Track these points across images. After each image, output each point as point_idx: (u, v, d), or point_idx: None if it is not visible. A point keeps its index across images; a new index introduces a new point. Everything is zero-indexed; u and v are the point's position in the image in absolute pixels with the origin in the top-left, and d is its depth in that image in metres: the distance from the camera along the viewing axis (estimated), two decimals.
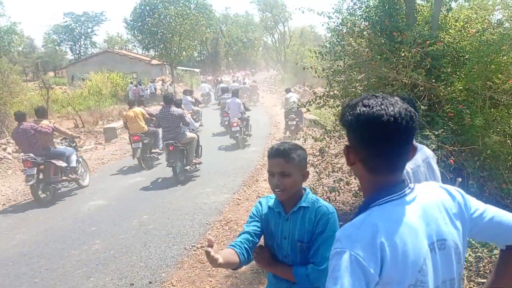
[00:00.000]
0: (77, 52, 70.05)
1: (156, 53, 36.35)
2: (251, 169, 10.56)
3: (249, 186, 9.02)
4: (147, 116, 11.64)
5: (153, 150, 11.87)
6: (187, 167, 9.87)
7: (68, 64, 52.12)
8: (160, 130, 10.91)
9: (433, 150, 4.97)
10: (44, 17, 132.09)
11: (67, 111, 24.00)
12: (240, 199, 8.22)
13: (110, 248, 6.06)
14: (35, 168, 8.17)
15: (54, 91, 27.69)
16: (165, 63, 39.61)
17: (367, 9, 7.86)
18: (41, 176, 8.45)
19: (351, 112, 1.30)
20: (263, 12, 67.91)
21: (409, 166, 2.85)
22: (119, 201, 8.64)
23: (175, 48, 35.36)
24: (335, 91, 7.46)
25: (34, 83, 33.74)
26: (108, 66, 34.78)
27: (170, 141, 9.37)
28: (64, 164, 8.84)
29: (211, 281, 5.02)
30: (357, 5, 8.38)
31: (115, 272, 5.32)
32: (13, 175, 11.92)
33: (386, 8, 7.45)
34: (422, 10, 7.88)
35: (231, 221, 7.00)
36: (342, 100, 7.44)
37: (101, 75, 31.05)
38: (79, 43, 70.65)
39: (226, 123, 15.33)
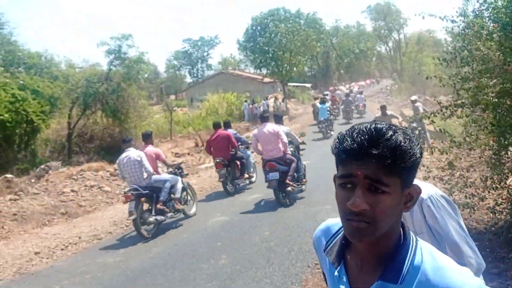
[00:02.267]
0: (195, 75, 74.84)
1: (268, 71, 36.86)
2: None
3: None
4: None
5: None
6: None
7: (187, 87, 55.64)
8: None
9: None
10: (166, 45, 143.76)
11: (188, 131, 25.19)
12: None
13: (235, 263, 6.15)
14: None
15: (176, 113, 29.38)
16: (276, 80, 39.98)
17: (495, 10, 6.93)
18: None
19: None
20: (375, 21, 65.67)
21: None
22: (240, 217, 8.66)
23: (286, 65, 35.48)
24: (463, 100, 6.76)
25: (158, 106, 36.29)
26: (223, 87, 36.04)
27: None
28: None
29: None
30: (483, 6, 7.47)
31: (243, 287, 5.35)
32: None
33: None
34: None
35: None
36: (471, 108, 6.84)
37: (217, 95, 32.27)
38: (196, 67, 75.42)
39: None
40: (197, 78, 71.61)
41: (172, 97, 57.87)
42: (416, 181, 1.11)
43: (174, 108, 29.12)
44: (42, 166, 13.89)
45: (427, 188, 1.93)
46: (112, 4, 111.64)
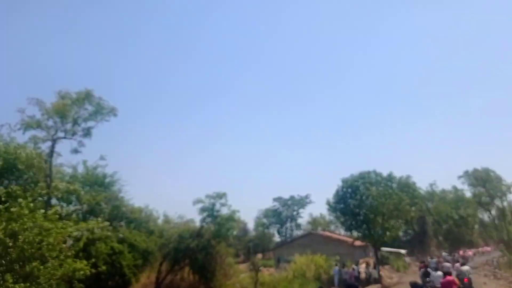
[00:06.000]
0: (284, 234, 74.43)
1: (359, 234, 35.60)
2: None
3: None
4: None
5: None
6: None
7: (275, 246, 55.10)
8: None
9: None
10: (256, 202, 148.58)
11: None
12: None
13: None
14: None
15: (262, 274, 28.64)
16: (368, 244, 38.22)
17: None
18: None
19: None
20: (474, 187, 62.92)
21: None
22: None
23: (378, 229, 34.15)
24: None
25: (245, 265, 35.89)
26: (312, 248, 35.14)
27: None
28: None
29: None
30: None
31: None
32: None
33: None
34: None
35: None
36: None
37: (305, 257, 31.29)
38: (285, 226, 75.40)
39: None
40: (286, 237, 71.08)
41: (259, 255, 57.33)
42: None
43: (260, 268, 28.52)
44: None
45: None
46: (212, 162, 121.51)
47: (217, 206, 23.60)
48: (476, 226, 70.83)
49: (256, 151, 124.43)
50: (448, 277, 16.97)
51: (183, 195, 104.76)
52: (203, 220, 23.83)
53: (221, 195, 23.67)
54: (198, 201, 23.73)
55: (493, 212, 64.56)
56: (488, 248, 61.71)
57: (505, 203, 62.43)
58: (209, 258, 21.70)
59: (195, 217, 28.63)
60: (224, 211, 23.75)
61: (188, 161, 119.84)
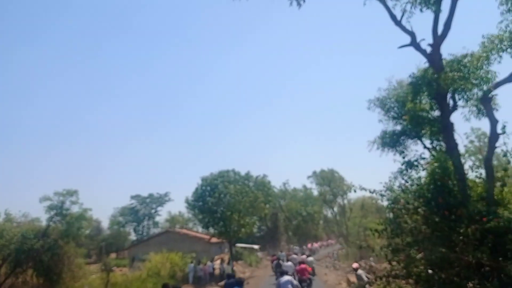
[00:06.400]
0: (140, 232, 72.44)
1: (216, 231, 36.52)
2: None
3: None
4: None
5: None
6: None
7: (130, 245, 53.40)
8: None
9: None
10: (113, 200, 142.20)
11: None
12: None
13: None
14: None
15: (114, 274, 27.60)
16: (224, 240, 39.44)
17: (419, 187, 7.87)
18: None
19: None
20: (320, 186, 69.25)
21: None
22: None
23: (234, 225, 35.47)
24: (396, 271, 7.16)
25: (97, 266, 34.19)
26: (168, 246, 34.91)
27: None
28: None
29: None
30: (408, 182, 8.36)
31: None
32: None
33: (438, 185, 7.38)
34: (475, 186, 7.75)
35: None
36: (405, 280, 7.19)
37: (161, 255, 30.99)
38: (142, 224, 73.51)
39: None
40: (142, 235, 69.38)
41: (113, 255, 55.03)
42: None
43: (112, 268, 27.45)
44: None
45: None
46: (59, 156, 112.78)
47: (67, 204, 22.15)
48: (321, 222, 78.20)
49: (114, 148, 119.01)
50: (302, 265, 21.38)
51: (29, 192, 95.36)
52: (50, 219, 22.12)
53: (71, 192, 22.25)
54: (45, 198, 21.99)
55: (335, 209, 71.93)
56: (332, 241, 69.36)
57: (345, 201, 70.09)
58: (56, 259, 20.19)
59: (42, 216, 26.43)
60: (75, 209, 22.41)
61: (37, 157, 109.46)
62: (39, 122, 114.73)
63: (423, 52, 8.60)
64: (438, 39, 8.44)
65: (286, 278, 15.05)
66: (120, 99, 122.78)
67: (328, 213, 76.38)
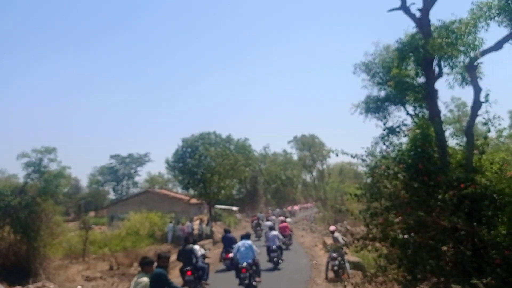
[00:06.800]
0: (119, 192, 72.41)
1: (195, 192, 36.74)
2: None
3: None
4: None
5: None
6: None
7: (109, 204, 53.45)
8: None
9: None
10: (92, 159, 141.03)
11: (103, 252, 23.66)
12: None
13: None
14: None
15: (93, 232, 27.72)
16: (203, 202, 39.79)
17: (400, 152, 7.96)
18: None
19: None
20: (301, 150, 69.86)
21: None
22: None
23: (214, 187, 35.70)
24: (374, 234, 7.33)
25: (75, 223, 34.22)
26: (148, 206, 35.09)
27: None
28: None
29: None
30: (389, 148, 8.45)
31: None
32: None
33: (419, 151, 7.49)
34: (455, 153, 7.90)
35: None
36: (382, 243, 7.37)
37: (140, 215, 31.15)
38: (122, 183, 73.36)
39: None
40: (121, 195, 69.36)
41: (92, 213, 55.09)
42: None
43: (91, 226, 27.51)
44: None
45: None
46: (39, 112, 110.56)
47: (45, 162, 21.77)
48: (300, 186, 79.49)
49: (93, 107, 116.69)
50: (284, 223, 24.38)
51: (5, 149, 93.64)
52: (28, 176, 21.80)
53: (50, 150, 21.81)
54: (23, 155, 21.55)
55: (314, 173, 72.88)
56: (310, 205, 71.34)
57: (324, 166, 71.07)
58: (34, 216, 20.04)
59: (19, 173, 26.01)
60: (53, 167, 22.05)
61: (15, 113, 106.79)
62: (16, 77, 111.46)
63: (412, 16, 8.49)
64: (427, 4, 8.33)
65: (274, 232, 18.54)
66: (101, 54, 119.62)
67: (307, 178, 77.55)
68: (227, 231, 18.67)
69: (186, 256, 12.65)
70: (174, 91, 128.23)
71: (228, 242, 17.22)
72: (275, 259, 17.24)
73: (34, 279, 16.86)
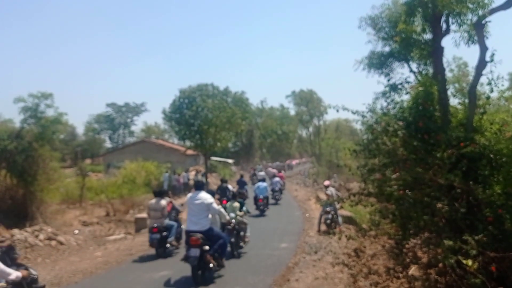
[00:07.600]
0: (115, 140, 72.57)
1: (192, 144, 36.82)
2: (282, 267, 9.78)
3: (280, 286, 8.32)
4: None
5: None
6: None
7: (106, 152, 53.60)
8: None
9: (474, 256, 5.11)
10: (88, 107, 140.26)
11: (100, 198, 23.96)
12: None
13: None
14: None
15: (90, 179, 27.93)
16: (199, 153, 39.94)
17: (401, 110, 7.93)
18: None
19: None
20: (298, 106, 69.64)
21: None
22: None
23: (210, 139, 35.75)
24: (369, 189, 7.41)
25: (72, 170, 34.42)
26: (144, 155, 35.25)
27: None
28: None
29: None
30: (390, 105, 8.42)
31: None
32: (42, 263, 11.16)
33: (420, 109, 7.47)
34: (456, 113, 7.88)
35: None
36: (377, 198, 7.47)
37: (136, 163, 31.34)
38: (118, 132, 73.41)
39: None
40: (118, 144, 69.53)
41: (88, 161, 55.37)
42: None
43: (88, 173, 27.69)
44: None
45: None
46: (36, 59, 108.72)
47: (42, 107, 21.53)
48: (295, 141, 79.85)
49: (91, 54, 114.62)
50: (280, 174, 29.55)
51: (1, 93, 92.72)
52: (24, 121, 21.64)
53: (46, 95, 21.51)
54: (19, 99, 21.28)
55: (311, 129, 73.15)
56: (305, 159, 72.39)
57: (321, 122, 71.19)
58: (30, 161, 20.02)
59: (15, 118, 25.86)
60: (50, 113, 21.84)
61: (12, 55, 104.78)
62: (14, 20, 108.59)
63: None
64: None
65: (276, 179, 24.50)
66: (101, 0, 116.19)
67: (303, 133, 77.79)
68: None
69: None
70: (174, 42, 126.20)
71: (241, 184, 22.74)
72: (277, 196, 23.40)
73: (31, 222, 17.06)
